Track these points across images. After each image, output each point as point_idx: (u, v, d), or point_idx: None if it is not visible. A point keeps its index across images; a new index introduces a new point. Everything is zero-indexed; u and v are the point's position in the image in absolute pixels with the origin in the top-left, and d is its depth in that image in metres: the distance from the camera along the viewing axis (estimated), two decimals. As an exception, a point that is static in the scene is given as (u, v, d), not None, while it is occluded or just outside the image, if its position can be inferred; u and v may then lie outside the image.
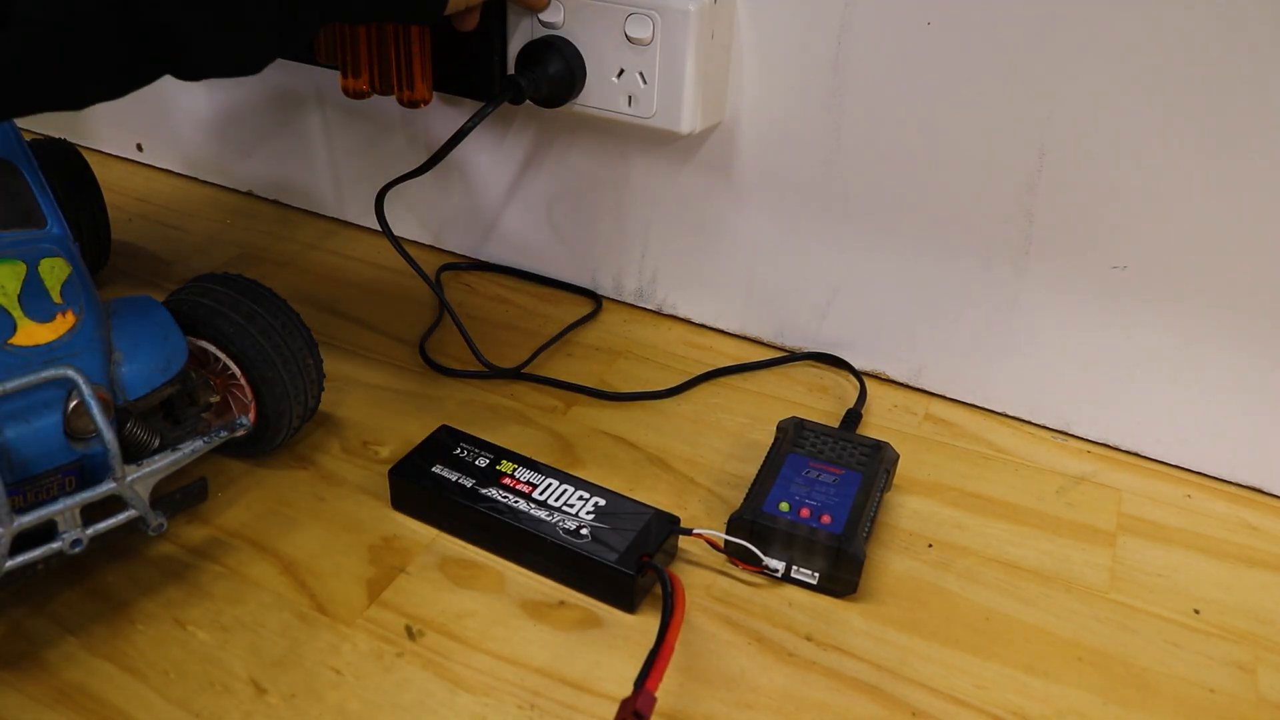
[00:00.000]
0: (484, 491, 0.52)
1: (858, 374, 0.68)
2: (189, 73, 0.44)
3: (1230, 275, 0.55)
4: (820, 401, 0.66)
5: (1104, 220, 0.57)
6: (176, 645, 0.46)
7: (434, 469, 0.53)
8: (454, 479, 0.52)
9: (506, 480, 0.53)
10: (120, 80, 0.43)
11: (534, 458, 0.55)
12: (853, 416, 0.62)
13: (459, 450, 0.55)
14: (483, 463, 0.54)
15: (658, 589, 0.49)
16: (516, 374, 0.66)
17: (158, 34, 0.41)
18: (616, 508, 0.51)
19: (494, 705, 0.44)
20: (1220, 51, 0.51)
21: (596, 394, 0.65)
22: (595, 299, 0.76)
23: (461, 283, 0.78)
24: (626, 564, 0.48)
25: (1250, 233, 0.54)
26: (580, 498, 0.52)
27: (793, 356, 0.70)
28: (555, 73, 0.61)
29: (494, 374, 0.66)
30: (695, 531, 0.51)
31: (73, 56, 0.40)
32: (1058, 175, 0.57)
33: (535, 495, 0.52)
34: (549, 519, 0.50)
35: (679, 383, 0.66)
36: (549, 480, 0.53)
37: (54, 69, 0.40)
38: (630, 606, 0.49)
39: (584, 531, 0.49)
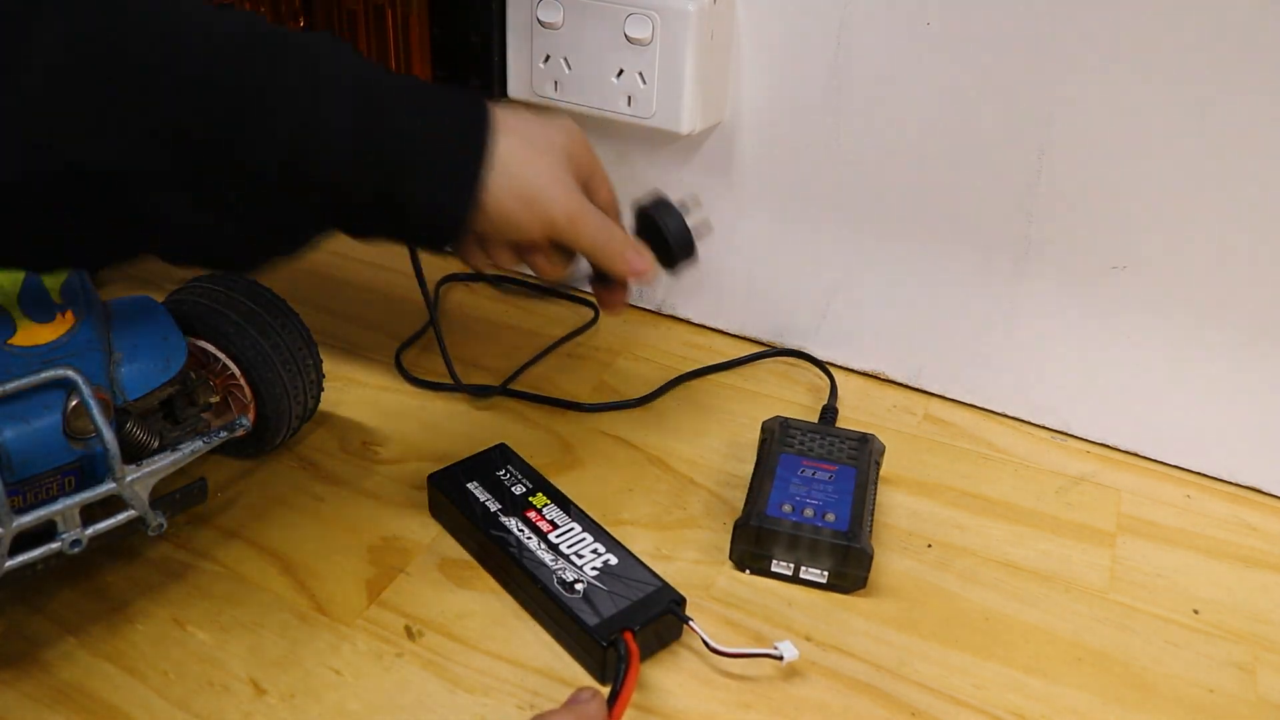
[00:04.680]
0: (504, 520, 0.50)
1: (822, 365, 0.68)
2: (168, 257, 0.41)
3: (1230, 275, 0.55)
4: (820, 400, 0.66)
5: (1104, 220, 0.57)
6: (176, 645, 0.46)
7: (469, 484, 0.52)
8: (482, 499, 0.51)
9: (531, 514, 0.51)
10: (91, 254, 0.40)
11: (565, 492, 0.52)
12: (828, 411, 0.62)
13: (503, 472, 0.53)
14: (519, 490, 0.52)
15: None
16: (503, 390, 0.64)
17: (131, 213, 0.38)
18: (625, 571, 0.47)
19: (493, 706, 0.44)
20: (1220, 51, 0.51)
21: (572, 406, 0.63)
22: (594, 305, 0.76)
23: (463, 285, 0.78)
24: (603, 633, 0.44)
25: (1249, 232, 0.54)
26: (594, 551, 0.48)
27: (773, 351, 0.70)
28: None
29: (471, 391, 0.64)
30: (690, 623, 0.45)
31: (34, 224, 0.37)
32: (1058, 175, 0.57)
33: (551, 536, 0.49)
34: (550, 564, 0.47)
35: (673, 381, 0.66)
36: (572, 525, 0.50)
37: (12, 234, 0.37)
38: (600, 676, 0.45)
39: (578, 586, 0.46)
